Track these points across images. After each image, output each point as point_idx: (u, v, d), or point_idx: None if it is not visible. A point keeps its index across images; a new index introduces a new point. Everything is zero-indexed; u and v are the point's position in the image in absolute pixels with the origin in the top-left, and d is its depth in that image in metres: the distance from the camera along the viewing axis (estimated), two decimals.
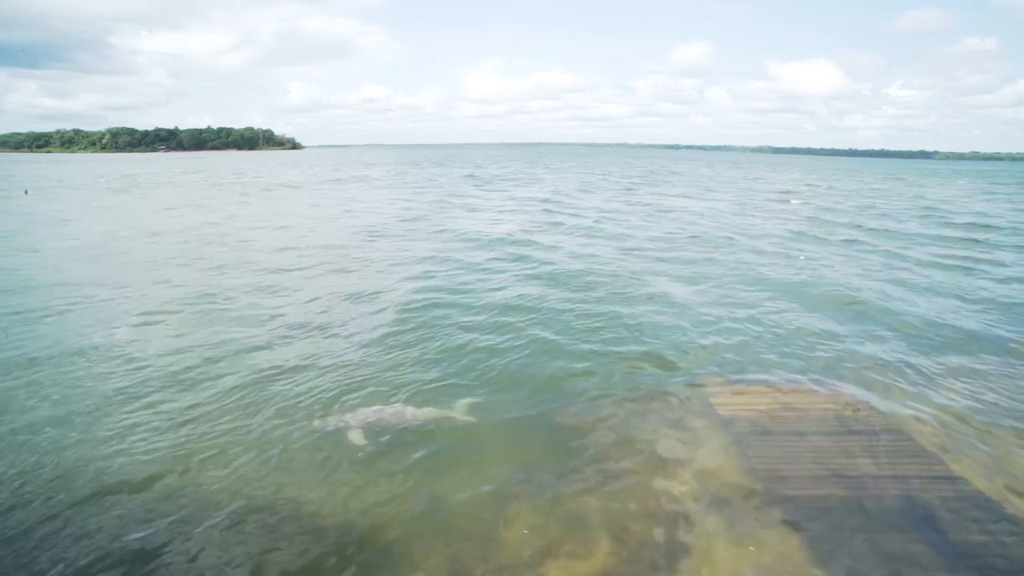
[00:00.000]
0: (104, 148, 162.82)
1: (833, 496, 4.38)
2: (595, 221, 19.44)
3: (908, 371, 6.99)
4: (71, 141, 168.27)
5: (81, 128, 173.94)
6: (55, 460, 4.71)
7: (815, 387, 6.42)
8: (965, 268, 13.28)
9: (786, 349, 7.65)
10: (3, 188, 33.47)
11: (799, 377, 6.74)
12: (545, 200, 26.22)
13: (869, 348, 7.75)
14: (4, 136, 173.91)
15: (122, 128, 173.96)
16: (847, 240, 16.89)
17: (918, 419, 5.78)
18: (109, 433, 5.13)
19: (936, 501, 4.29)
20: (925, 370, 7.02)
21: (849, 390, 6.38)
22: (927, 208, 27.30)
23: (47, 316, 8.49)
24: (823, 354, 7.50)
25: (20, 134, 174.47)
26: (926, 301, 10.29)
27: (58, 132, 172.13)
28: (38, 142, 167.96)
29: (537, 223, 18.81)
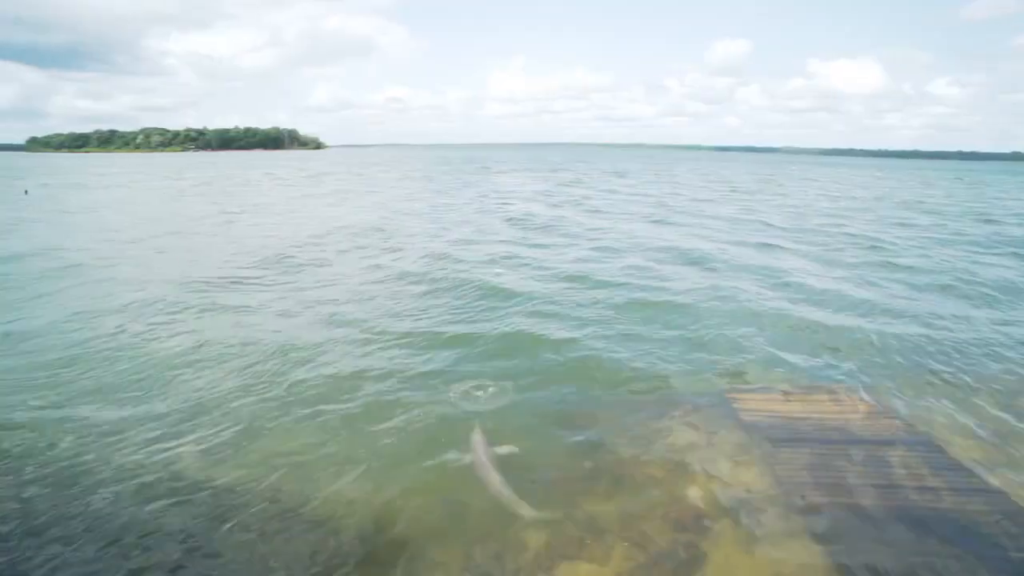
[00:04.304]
0: (138, 148, 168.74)
1: (860, 507, 4.24)
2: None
3: (941, 381, 6.73)
4: (108, 141, 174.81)
5: (117, 129, 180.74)
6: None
7: (841, 394, 6.22)
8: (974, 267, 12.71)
9: (812, 354, 7.44)
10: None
11: (825, 384, 6.54)
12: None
13: (899, 355, 7.48)
14: (47, 137, 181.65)
15: (155, 128, 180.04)
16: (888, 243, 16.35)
17: (951, 430, 5.56)
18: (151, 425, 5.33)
19: (971, 515, 4.11)
20: (959, 380, 6.74)
21: (877, 398, 6.16)
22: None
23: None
24: (850, 360, 7.27)
25: (61, 135, 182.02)
26: (964, 306, 9.89)
27: (96, 133, 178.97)
28: (77, 143, 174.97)
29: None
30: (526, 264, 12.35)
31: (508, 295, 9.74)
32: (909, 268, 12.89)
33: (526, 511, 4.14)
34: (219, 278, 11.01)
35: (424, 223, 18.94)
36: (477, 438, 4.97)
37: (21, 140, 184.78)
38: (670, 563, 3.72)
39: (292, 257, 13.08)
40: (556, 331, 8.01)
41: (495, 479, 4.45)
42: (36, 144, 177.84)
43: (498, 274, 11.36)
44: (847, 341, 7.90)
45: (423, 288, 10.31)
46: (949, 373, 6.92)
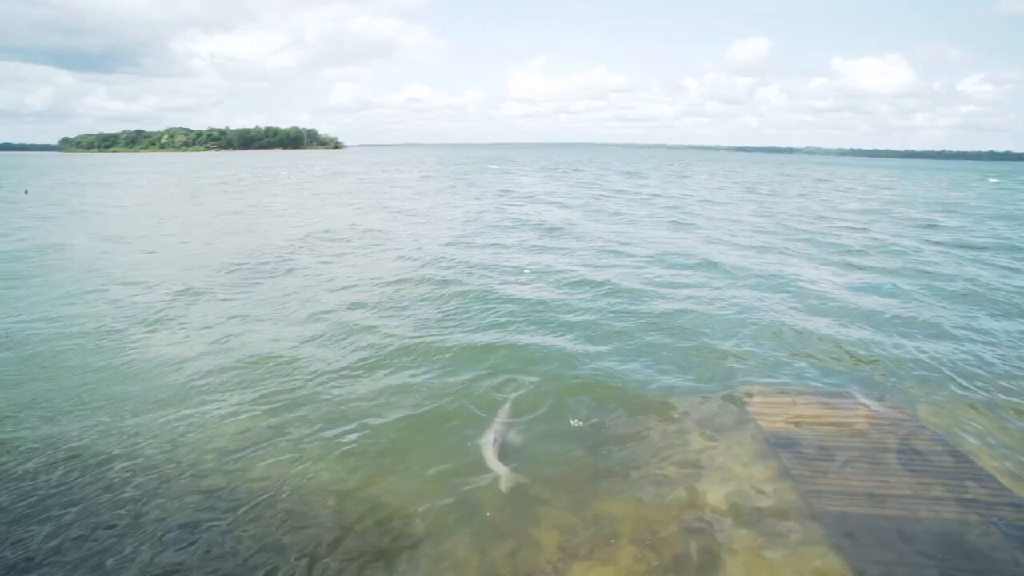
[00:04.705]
0: (163, 147, 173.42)
1: (879, 515, 4.15)
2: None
3: (968, 389, 6.53)
4: (134, 141, 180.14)
5: (143, 129, 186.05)
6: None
7: (862, 400, 6.08)
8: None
9: (831, 360, 7.29)
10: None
11: (844, 389, 6.41)
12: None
13: (922, 363, 7.27)
14: (78, 138, 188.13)
15: (179, 128, 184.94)
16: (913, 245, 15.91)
17: (978, 440, 5.39)
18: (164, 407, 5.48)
19: (998, 528, 3.99)
20: (986, 390, 6.53)
21: (900, 405, 6.02)
22: None
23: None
24: (872, 366, 7.11)
25: (91, 135, 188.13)
26: (993, 314, 9.57)
27: (124, 133, 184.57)
28: (106, 143, 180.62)
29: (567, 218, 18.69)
30: (539, 268, 12.32)
31: (520, 301, 9.73)
32: (935, 274, 12.52)
33: (506, 476, 4.49)
34: (227, 278, 11.27)
35: (432, 224, 19.03)
36: (494, 426, 5.25)
37: (54, 140, 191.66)
38: (683, 566, 3.69)
39: (299, 257, 13.30)
40: (567, 335, 7.99)
41: (496, 464, 4.68)
42: (68, 144, 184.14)
43: (511, 280, 11.39)
44: (868, 348, 7.71)
45: (427, 290, 10.35)
46: (975, 383, 6.70)
